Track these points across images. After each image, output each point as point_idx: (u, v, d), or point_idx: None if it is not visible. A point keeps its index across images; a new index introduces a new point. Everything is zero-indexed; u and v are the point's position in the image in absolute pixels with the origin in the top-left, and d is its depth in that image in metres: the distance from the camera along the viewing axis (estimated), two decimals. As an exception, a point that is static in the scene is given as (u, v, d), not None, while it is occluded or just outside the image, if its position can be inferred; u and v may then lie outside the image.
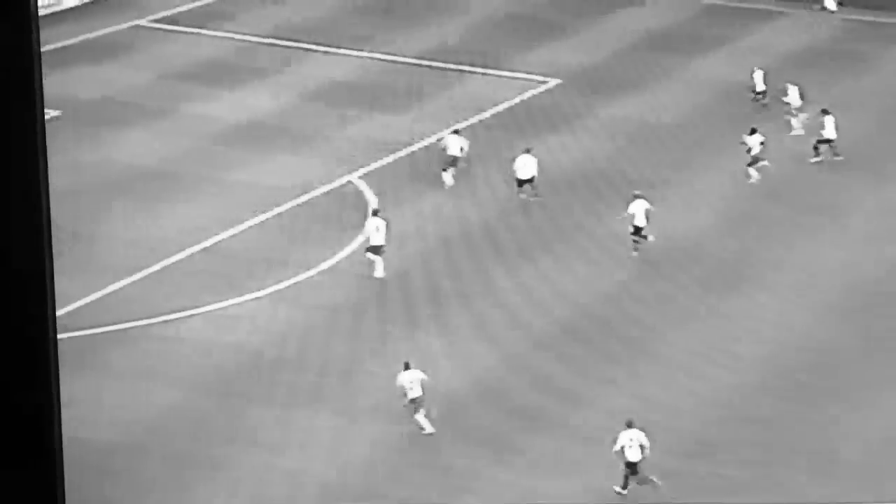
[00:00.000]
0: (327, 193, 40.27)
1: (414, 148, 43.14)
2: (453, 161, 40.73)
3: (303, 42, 51.43)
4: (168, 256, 36.14)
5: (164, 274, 35.44)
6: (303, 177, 40.76)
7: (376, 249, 35.72)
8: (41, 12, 52.72)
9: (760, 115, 44.50)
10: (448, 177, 40.75)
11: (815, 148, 42.60)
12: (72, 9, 54.07)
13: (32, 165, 5.56)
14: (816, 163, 42.39)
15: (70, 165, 40.89)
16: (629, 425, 29.01)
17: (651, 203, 37.22)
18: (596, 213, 39.12)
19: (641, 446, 28.80)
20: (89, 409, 29.93)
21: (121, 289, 34.57)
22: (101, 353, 31.95)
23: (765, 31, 54.00)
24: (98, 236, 37.17)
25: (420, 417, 29.97)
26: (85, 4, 54.64)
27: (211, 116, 45.17)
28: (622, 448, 28.88)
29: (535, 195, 39.71)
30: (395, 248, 36.89)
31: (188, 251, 36.53)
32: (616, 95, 47.00)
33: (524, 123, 44.98)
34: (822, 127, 42.56)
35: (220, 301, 34.09)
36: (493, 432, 29.59)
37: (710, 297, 35.07)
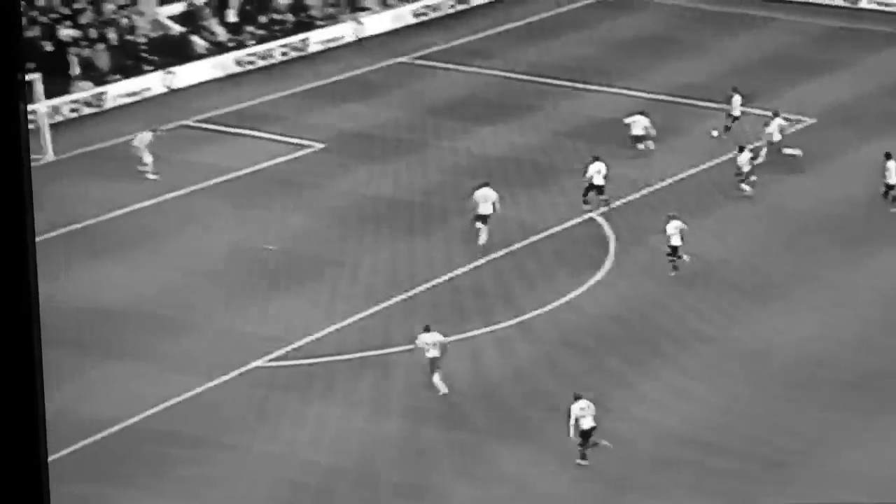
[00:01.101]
0: (569, 229, 40.22)
1: (660, 185, 42.74)
2: (638, 139, 43.49)
3: (559, 79, 51.48)
4: (413, 287, 36.51)
5: (408, 304, 35.79)
6: (547, 212, 40.78)
7: (483, 219, 37.81)
8: (318, 48, 54.40)
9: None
10: (643, 146, 43.48)
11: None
12: (341, 47, 55.47)
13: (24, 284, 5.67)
14: None
15: (331, 196, 41.97)
16: (577, 397, 29.79)
17: (686, 224, 36.80)
18: (843, 258, 37.98)
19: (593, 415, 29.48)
20: (322, 432, 30.63)
21: (365, 317, 35.10)
22: (341, 379, 32.54)
23: None
24: (349, 265, 37.86)
25: (436, 379, 31.43)
26: (353, 42, 56.02)
27: (466, 151, 45.48)
28: (576, 420, 29.60)
29: (606, 202, 40.19)
30: (634, 285, 36.61)
31: (433, 282, 36.79)
32: (871, 136, 45.46)
33: (774, 162, 43.89)
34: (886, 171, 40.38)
35: (458, 333, 34.20)
36: (721, 478, 29.01)
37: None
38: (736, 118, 45.57)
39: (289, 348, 33.50)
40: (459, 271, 37.54)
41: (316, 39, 55.10)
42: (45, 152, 44.60)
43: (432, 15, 58.96)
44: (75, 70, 49.18)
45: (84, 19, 51.17)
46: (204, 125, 47.48)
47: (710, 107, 48.31)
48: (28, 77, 46.00)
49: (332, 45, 55.23)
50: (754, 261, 38.09)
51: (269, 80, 51.47)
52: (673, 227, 36.99)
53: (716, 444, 29.98)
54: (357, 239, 39.26)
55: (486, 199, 38.08)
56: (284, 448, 29.87)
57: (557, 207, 41.01)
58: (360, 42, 55.68)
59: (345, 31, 56.22)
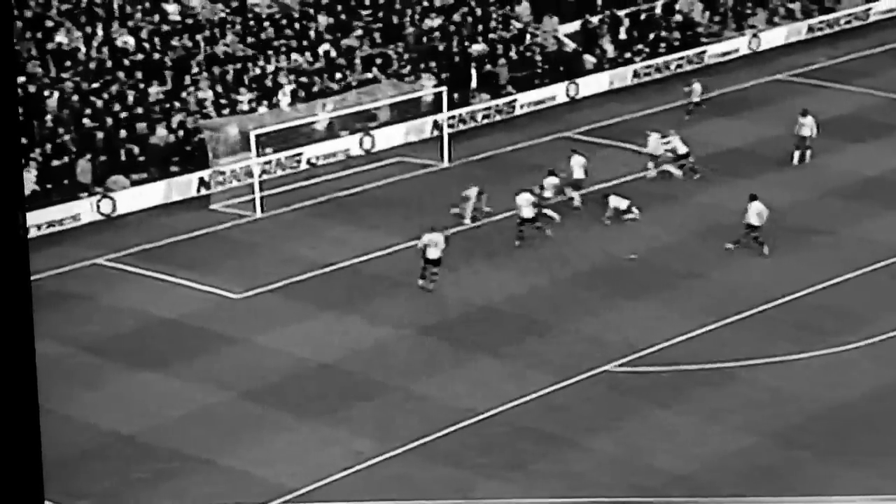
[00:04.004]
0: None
1: None
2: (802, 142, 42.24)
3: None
4: (766, 302, 34.69)
5: (759, 319, 33.95)
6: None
7: (754, 229, 36.24)
8: (712, 61, 52.76)
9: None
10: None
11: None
12: (732, 61, 53.73)
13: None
14: None
15: (689, 210, 40.36)
16: (433, 229, 33.20)
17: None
18: None
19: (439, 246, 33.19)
20: (666, 441, 29.35)
21: (713, 329, 33.56)
22: (687, 389, 31.22)
23: None
24: (703, 277, 36.29)
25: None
26: (747, 56, 54.29)
27: (839, 170, 42.91)
28: (424, 246, 33.08)
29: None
30: None
31: (786, 298, 34.93)
32: None
33: None
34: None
35: (800, 353, 32.25)
36: None
37: None
38: (697, 104, 46.42)
39: (638, 355, 32.69)
40: (814, 289, 35.54)
41: (712, 52, 53.70)
42: (441, 160, 45.23)
43: (827, 31, 56.49)
44: (475, 83, 49.60)
45: (492, 36, 51.59)
46: (583, 137, 46.98)
47: None
48: (437, 89, 46.72)
49: (724, 59, 53.64)
50: None
51: (653, 94, 50.38)
52: (575, 161, 38.09)
53: None
54: (709, 252, 37.75)
55: (759, 214, 36.19)
56: (627, 452, 29.15)
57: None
58: (754, 55, 53.90)
59: (740, 44, 54.55)
